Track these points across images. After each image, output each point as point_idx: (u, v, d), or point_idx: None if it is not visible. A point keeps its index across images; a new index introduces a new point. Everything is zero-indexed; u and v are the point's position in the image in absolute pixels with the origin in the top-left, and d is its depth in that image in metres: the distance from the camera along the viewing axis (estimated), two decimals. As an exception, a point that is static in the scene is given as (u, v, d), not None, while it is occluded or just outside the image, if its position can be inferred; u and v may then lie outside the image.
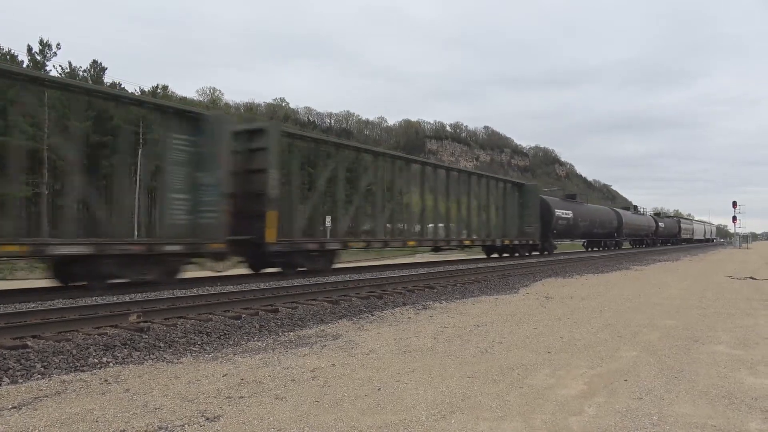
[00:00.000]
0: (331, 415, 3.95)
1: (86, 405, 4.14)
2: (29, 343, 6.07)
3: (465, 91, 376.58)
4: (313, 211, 16.44)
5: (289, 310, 8.88)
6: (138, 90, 50.00)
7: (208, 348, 6.35)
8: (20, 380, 4.90)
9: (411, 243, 20.37)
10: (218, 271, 13.53)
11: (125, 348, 6.09)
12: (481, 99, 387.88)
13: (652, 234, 56.88)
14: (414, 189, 21.04)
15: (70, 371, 5.22)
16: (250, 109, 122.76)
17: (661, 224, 59.80)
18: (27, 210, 24.44)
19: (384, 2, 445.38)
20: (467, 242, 23.55)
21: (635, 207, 62.31)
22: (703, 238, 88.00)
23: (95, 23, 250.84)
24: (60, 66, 44.99)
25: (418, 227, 21.18)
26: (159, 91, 56.79)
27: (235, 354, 6.00)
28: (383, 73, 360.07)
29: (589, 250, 42.93)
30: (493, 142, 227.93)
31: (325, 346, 6.40)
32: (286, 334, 7.24)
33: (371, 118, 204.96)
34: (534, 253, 29.82)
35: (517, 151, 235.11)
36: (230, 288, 11.60)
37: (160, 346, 6.26)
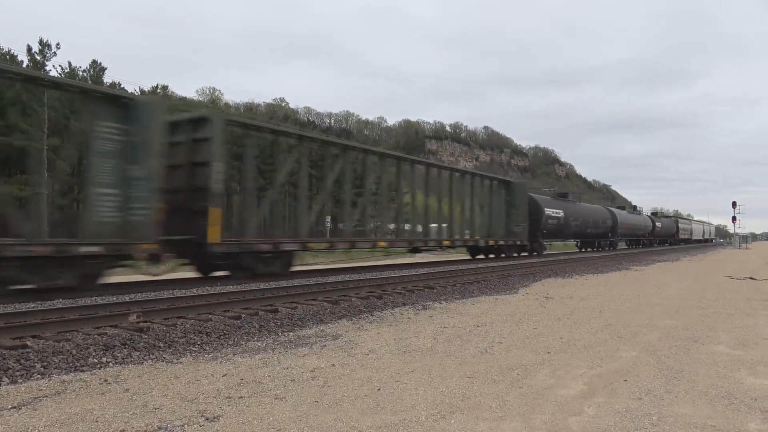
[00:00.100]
0: (331, 415, 3.95)
1: (86, 405, 4.14)
2: (29, 343, 6.07)
3: (465, 91, 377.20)
4: (272, 209, 15.55)
5: (289, 310, 8.88)
6: (138, 90, 50.00)
7: (207, 348, 6.35)
8: (20, 380, 4.90)
9: (382, 244, 18.84)
10: (154, 275, 12.47)
11: (125, 348, 6.09)
12: (481, 99, 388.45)
13: (648, 234, 56.03)
14: (390, 186, 20.15)
15: (70, 371, 5.22)
16: (250, 109, 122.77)
17: (658, 224, 58.90)
18: None
19: (384, 2, 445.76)
20: (446, 242, 22.19)
21: (635, 207, 62.10)
22: (701, 238, 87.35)
23: (95, 23, 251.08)
24: (60, 66, 45.03)
25: (392, 226, 20.07)
26: (159, 91, 56.78)
27: (234, 354, 6.00)
28: (383, 73, 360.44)
29: (583, 250, 41.45)
30: (493, 143, 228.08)
31: (325, 346, 6.40)
32: (286, 334, 7.24)
33: (371, 118, 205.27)
34: (523, 253, 28.88)
35: (516, 151, 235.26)
36: (230, 288, 11.60)
37: (159, 346, 6.26)
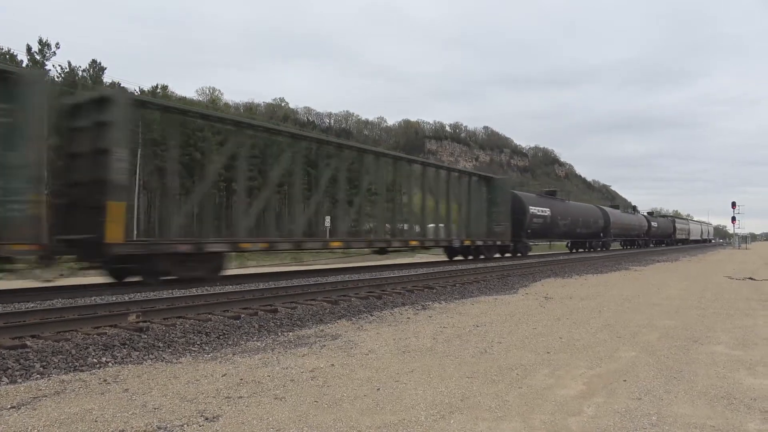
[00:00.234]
0: (331, 415, 3.95)
1: (85, 405, 4.14)
2: (28, 342, 6.07)
3: (465, 91, 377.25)
4: (204, 207, 13.94)
5: (288, 310, 8.88)
6: (137, 90, 49.98)
7: (207, 348, 6.35)
8: (19, 380, 4.90)
9: (336, 244, 16.95)
10: (46, 281, 10.85)
11: (124, 348, 6.09)
12: (480, 99, 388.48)
13: (644, 234, 54.53)
14: (350, 181, 18.58)
15: (69, 371, 5.22)
16: (250, 109, 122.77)
17: (654, 224, 57.36)
18: None
19: (384, 2, 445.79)
20: (414, 243, 20.17)
21: (634, 207, 61.66)
22: (699, 238, 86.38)
23: (95, 23, 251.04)
24: (60, 66, 45.01)
25: (351, 225, 17.96)
26: (159, 90, 56.77)
27: (234, 354, 6.00)
28: (383, 73, 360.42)
29: (573, 251, 39.86)
30: (493, 143, 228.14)
31: (325, 346, 6.40)
32: (286, 334, 7.24)
33: (371, 118, 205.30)
34: (506, 255, 27.53)
35: (516, 151, 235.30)
36: (229, 288, 11.60)
37: (159, 346, 6.26)
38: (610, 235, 42.84)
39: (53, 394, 4.44)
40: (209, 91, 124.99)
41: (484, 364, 5.53)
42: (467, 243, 23.25)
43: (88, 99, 11.97)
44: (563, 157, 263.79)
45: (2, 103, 9.45)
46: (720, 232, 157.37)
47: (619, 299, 11.30)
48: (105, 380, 4.86)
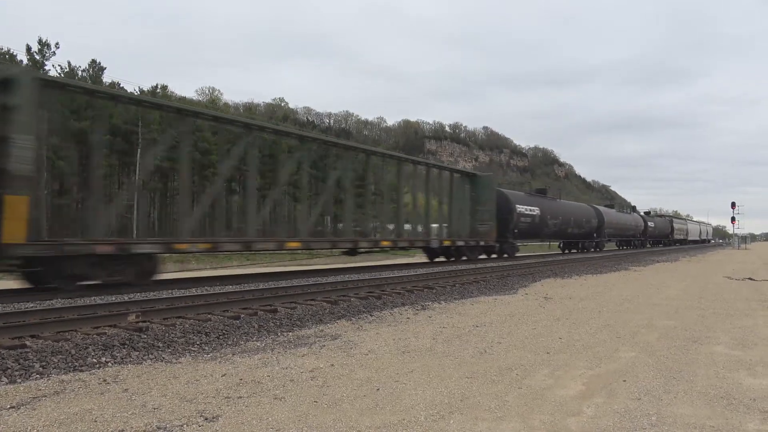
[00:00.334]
0: (330, 415, 3.95)
1: (85, 405, 4.14)
2: (28, 342, 6.07)
3: (465, 91, 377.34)
4: (138, 203, 13.12)
5: (288, 310, 8.88)
6: (137, 90, 49.97)
7: (206, 348, 6.35)
8: (19, 380, 4.89)
9: (293, 244, 15.26)
10: None
11: (124, 348, 6.08)
12: (480, 99, 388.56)
13: (640, 234, 53.20)
14: (315, 177, 17.86)
15: (69, 371, 5.22)
16: (249, 108, 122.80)
17: (650, 224, 55.96)
18: None
19: (384, 2, 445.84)
20: (386, 243, 18.73)
21: (633, 207, 61.29)
22: (698, 238, 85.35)
23: (95, 23, 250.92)
24: (59, 65, 45.01)
25: (313, 225, 16.67)
26: (158, 90, 56.79)
27: (234, 354, 6.00)
28: (383, 72, 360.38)
29: (565, 252, 38.58)
30: (492, 143, 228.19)
31: (324, 346, 6.40)
32: (285, 334, 7.24)
33: (371, 118, 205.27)
34: (492, 255, 26.35)
35: (516, 151, 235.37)
36: (229, 288, 11.60)
37: (158, 346, 6.26)
38: (604, 235, 41.63)
39: (53, 394, 4.44)
40: (209, 90, 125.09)
41: (484, 364, 5.53)
42: (447, 243, 21.85)
43: None
44: (563, 157, 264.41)
45: None
46: (719, 233, 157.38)
47: (619, 299, 11.30)
48: (104, 380, 4.86)
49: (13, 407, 4.08)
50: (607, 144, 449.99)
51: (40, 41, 41.10)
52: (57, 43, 41.95)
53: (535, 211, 29.46)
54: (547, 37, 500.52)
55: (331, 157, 17.47)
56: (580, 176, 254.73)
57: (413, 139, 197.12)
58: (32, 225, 9.76)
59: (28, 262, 10.08)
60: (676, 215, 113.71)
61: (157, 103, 14.42)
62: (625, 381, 4.93)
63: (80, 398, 4.32)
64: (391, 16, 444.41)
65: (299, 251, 18.02)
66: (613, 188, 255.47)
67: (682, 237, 72.41)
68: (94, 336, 6.54)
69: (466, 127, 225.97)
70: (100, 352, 5.87)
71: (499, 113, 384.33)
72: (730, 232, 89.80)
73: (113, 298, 9.64)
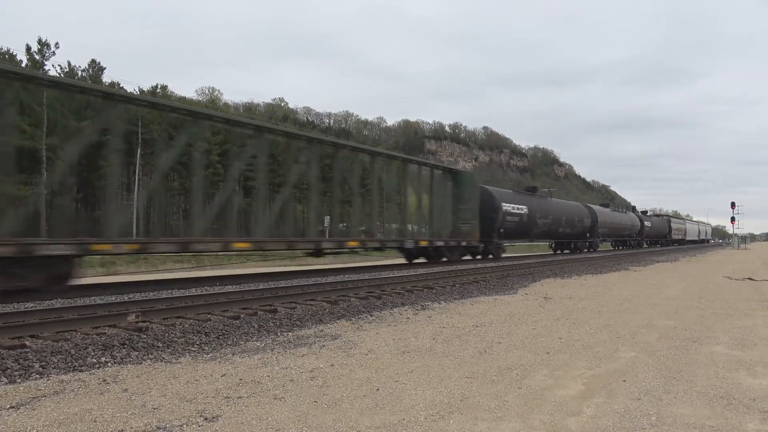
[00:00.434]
0: (330, 415, 3.95)
1: (84, 405, 4.13)
2: (27, 342, 6.07)
3: (465, 91, 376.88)
4: (55, 202, 11.61)
5: (288, 310, 8.88)
6: (137, 90, 49.98)
7: (206, 348, 6.35)
8: (18, 380, 4.89)
9: (240, 245, 13.56)
10: None
11: (124, 348, 6.08)
12: (480, 99, 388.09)
13: (636, 234, 52.06)
14: (274, 172, 16.46)
15: (69, 371, 5.22)
16: (249, 108, 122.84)
17: (647, 223, 54.88)
18: None
19: (384, 1, 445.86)
20: (353, 244, 17.12)
21: (633, 207, 61.02)
22: (697, 238, 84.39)
23: (95, 23, 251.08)
24: (59, 65, 45.03)
25: (269, 223, 14.87)
26: (158, 90, 56.80)
27: (233, 354, 6.00)
28: (383, 72, 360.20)
29: (557, 252, 37.22)
30: (492, 143, 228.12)
31: (324, 346, 6.40)
32: (285, 334, 7.24)
33: (370, 118, 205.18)
34: (477, 257, 24.93)
35: (516, 151, 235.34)
36: (229, 288, 11.60)
37: (158, 346, 6.26)
38: (598, 235, 40.37)
39: (52, 394, 4.44)
40: (209, 90, 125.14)
41: (484, 364, 5.53)
42: (424, 244, 20.32)
43: None
44: (563, 158, 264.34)
45: None
46: (718, 233, 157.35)
47: (619, 299, 11.30)
48: (104, 380, 4.86)
49: (13, 407, 4.08)
50: (607, 144, 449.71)
51: (39, 41, 41.13)
52: (57, 43, 41.98)
53: (523, 209, 28.23)
54: (547, 37, 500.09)
55: (293, 150, 16.03)
56: (579, 176, 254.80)
57: (413, 140, 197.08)
58: None
59: None
60: (676, 215, 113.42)
61: (70, 84, 13.09)
62: (625, 381, 4.93)
63: (80, 398, 4.32)
64: (391, 16, 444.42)
65: (249, 252, 15.79)
66: (613, 188, 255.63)
67: (680, 237, 71.53)
68: (94, 336, 6.54)
69: (466, 127, 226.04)
70: (100, 352, 5.86)
71: (499, 113, 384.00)
72: (730, 232, 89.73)
73: (113, 298, 9.64)
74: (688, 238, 76.77)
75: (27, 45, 44.99)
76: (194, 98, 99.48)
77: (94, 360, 5.61)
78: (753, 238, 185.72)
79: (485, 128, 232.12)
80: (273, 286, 11.85)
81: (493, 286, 13.68)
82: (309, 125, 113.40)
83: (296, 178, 16.32)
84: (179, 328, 7.17)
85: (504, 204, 26.42)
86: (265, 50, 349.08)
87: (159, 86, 58.67)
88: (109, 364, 5.53)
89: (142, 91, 50.46)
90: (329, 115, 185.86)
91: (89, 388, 4.60)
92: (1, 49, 40.96)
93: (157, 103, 14.05)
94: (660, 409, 4.13)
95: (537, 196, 32.79)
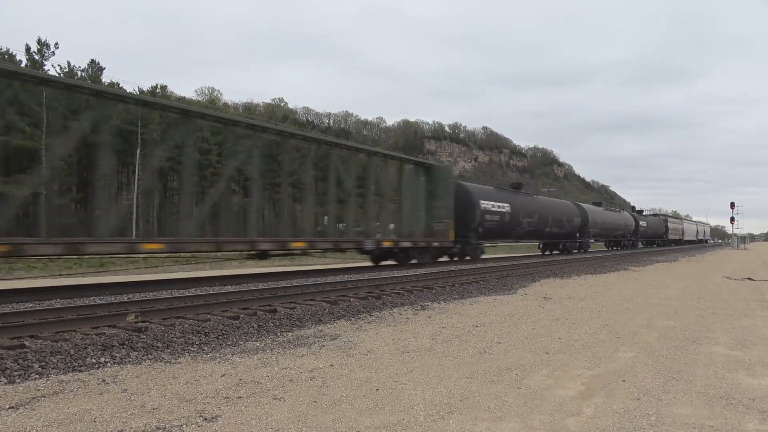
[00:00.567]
0: (330, 415, 3.95)
1: (84, 405, 4.13)
2: (27, 343, 6.07)
3: (464, 91, 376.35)
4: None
5: (288, 310, 8.88)
6: (137, 89, 49.94)
7: (206, 348, 6.35)
8: (18, 380, 4.89)
9: (150, 246, 11.60)
10: None
11: (123, 348, 6.08)
12: (480, 99, 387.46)
13: (630, 234, 50.24)
14: (200, 164, 14.18)
15: (68, 371, 5.22)
16: (249, 109, 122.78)
17: (642, 223, 53.14)
18: None
19: (384, 1, 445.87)
20: (298, 245, 15.07)
21: (633, 207, 60.52)
22: (695, 239, 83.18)
23: (95, 23, 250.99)
24: (59, 65, 45.01)
25: (195, 222, 12.97)
26: (158, 90, 56.79)
27: (233, 354, 6.00)
28: (382, 72, 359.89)
29: (546, 253, 35.31)
30: (492, 143, 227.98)
31: (324, 346, 6.40)
32: (285, 334, 7.24)
33: (370, 118, 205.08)
34: (454, 258, 23.25)
35: (515, 151, 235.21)
36: (228, 288, 11.60)
37: (158, 347, 6.26)
38: (589, 235, 38.32)
39: (52, 394, 4.44)
40: (208, 90, 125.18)
41: (483, 364, 5.53)
42: (387, 245, 18.55)
43: None
44: (562, 158, 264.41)
45: None
46: (717, 233, 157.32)
47: (618, 299, 11.30)
48: (104, 380, 4.86)
49: (12, 407, 4.08)
50: (606, 144, 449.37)
51: (39, 41, 41.13)
52: (56, 43, 42.01)
53: (505, 207, 26.32)
54: (547, 37, 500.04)
55: (231, 138, 14.11)
56: (579, 176, 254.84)
57: (413, 140, 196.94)
58: None
59: None
60: (675, 215, 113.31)
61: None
62: (624, 381, 4.93)
63: (79, 398, 4.32)
64: (391, 16, 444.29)
65: (164, 254, 13.35)
66: (612, 188, 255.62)
67: (677, 237, 70.15)
68: (93, 336, 6.54)
69: (465, 127, 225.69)
70: (99, 353, 5.86)
71: (498, 113, 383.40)
72: (729, 232, 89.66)
73: (112, 299, 9.64)
74: (685, 239, 75.64)
75: (26, 45, 44.99)
76: (193, 98, 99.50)
77: (93, 360, 5.61)
78: (752, 238, 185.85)
79: (485, 128, 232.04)
80: (272, 286, 11.84)
81: (493, 286, 13.68)
82: (309, 125, 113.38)
83: (234, 170, 14.61)
84: (179, 329, 7.16)
85: (482, 201, 24.65)
86: (265, 50, 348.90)
87: (159, 86, 58.67)
88: (109, 364, 5.53)
89: (141, 91, 50.44)
90: (329, 115, 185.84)
91: (89, 389, 4.60)
92: (1, 49, 40.95)
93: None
94: (659, 409, 4.13)
95: (522, 193, 31.12)
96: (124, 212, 11.89)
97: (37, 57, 40.78)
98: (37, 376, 5.03)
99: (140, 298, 9.59)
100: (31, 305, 8.77)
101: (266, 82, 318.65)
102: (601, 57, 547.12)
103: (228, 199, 14.14)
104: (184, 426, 3.70)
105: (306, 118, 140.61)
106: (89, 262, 15.66)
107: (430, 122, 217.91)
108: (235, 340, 6.82)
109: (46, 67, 40.97)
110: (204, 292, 10.67)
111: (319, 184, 16.77)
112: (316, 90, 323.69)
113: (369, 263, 20.52)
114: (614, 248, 48.49)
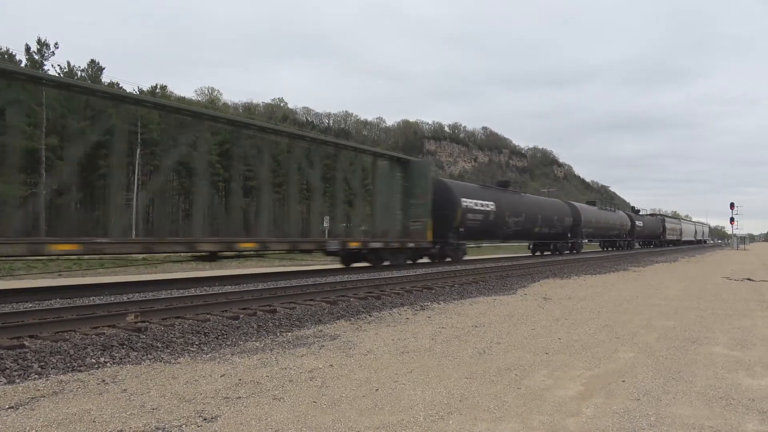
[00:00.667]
0: (329, 415, 3.95)
1: (83, 405, 4.13)
2: (26, 342, 6.06)
3: (464, 91, 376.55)
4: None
5: (287, 310, 8.88)
6: (137, 89, 49.92)
7: (205, 348, 6.34)
8: (17, 380, 4.89)
9: (63, 247, 10.28)
10: None
11: (123, 348, 6.08)
12: (480, 99, 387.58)
13: (626, 234, 49.11)
14: (142, 158, 13.19)
15: (68, 371, 5.21)
16: (249, 109, 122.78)
17: (638, 223, 52.10)
18: None
19: (384, 1, 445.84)
20: (247, 245, 13.64)
21: (633, 207, 60.35)
22: (693, 239, 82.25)
23: (94, 23, 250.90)
24: (59, 65, 45.00)
25: (129, 221, 12.16)
26: (158, 90, 56.79)
27: (233, 354, 5.99)
28: (383, 72, 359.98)
29: (536, 254, 33.98)
30: (492, 143, 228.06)
31: (323, 346, 6.40)
32: (284, 334, 7.23)
33: (370, 118, 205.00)
34: (437, 260, 21.88)
35: (515, 152, 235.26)
36: (228, 288, 11.60)
37: (157, 347, 6.25)
38: (581, 235, 36.79)
39: (51, 394, 4.44)
40: (208, 91, 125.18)
41: (483, 364, 5.53)
42: (354, 245, 17.16)
43: None
44: (562, 158, 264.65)
45: None
46: (717, 233, 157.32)
47: (618, 300, 11.30)
48: (103, 380, 4.85)
49: (12, 407, 4.07)
50: (606, 144, 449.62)
51: (39, 41, 41.14)
52: (56, 43, 42.04)
53: (490, 206, 24.91)
54: (547, 37, 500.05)
55: (172, 127, 12.60)
56: (579, 177, 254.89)
57: (412, 140, 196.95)
58: None
59: None
60: (675, 215, 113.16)
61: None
62: (624, 381, 4.93)
63: (79, 398, 4.32)
64: (391, 16, 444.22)
65: (76, 256, 11.68)
66: (612, 189, 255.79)
67: (675, 237, 69.06)
68: (93, 336, 6.54)
69: (465, 127, 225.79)
70: (99, 353, 5.86)
71: (498, 113, 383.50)
72: (729, 232, 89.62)
73: (112, 299, 9.64)
74: (684, 239, 74.64)
75: (26, 45, 44.93)
76: (193, 98, 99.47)
77: (93, 360, 5.61)
78: (752, 238, 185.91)
79: (485, 128, 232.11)
80: (272, 287, 11.84)
81: (492, 287, 13.68)
82: (308, 125, 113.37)
83: (175, 163, 13.20)
84: (178, 329, 7.16)
85: (464, 200, 23.21)
86: (265, 50, 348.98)
87: (158, 86, 58.68)
88: (108, 364, 5.53)
89: (141, 91, 50.43)
90: (329, 115, 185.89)
91: (88, 389, 4.60)
92: (1, 49, 40.93)
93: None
94: (659, 410, 4.13)
95: (508, 191, 29.44)
96: (26, 212, 10.47)
97: (36, 57, 40.78)
98: (36, 376, 5.03)
99: (140, 298, 9.59)
100: (30, 305, 8.77)
101: (266, 82, 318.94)
102: (601, 57, 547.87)
103: (169, 198, 13.12)
104: (184, 426, 3.70)
105: (306, 119, 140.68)
106: (89, 262, 15.79)
107: (430, 122, 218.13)
108: (234, 340, 6.82)
109: (45, 67, 40.99)
110: (204, 292, 10.67)
111: (277, 178, 15.36)
112: (316, 90, 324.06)
113: (339, 265, 19.39)
114: (609, 249, 47.83)
